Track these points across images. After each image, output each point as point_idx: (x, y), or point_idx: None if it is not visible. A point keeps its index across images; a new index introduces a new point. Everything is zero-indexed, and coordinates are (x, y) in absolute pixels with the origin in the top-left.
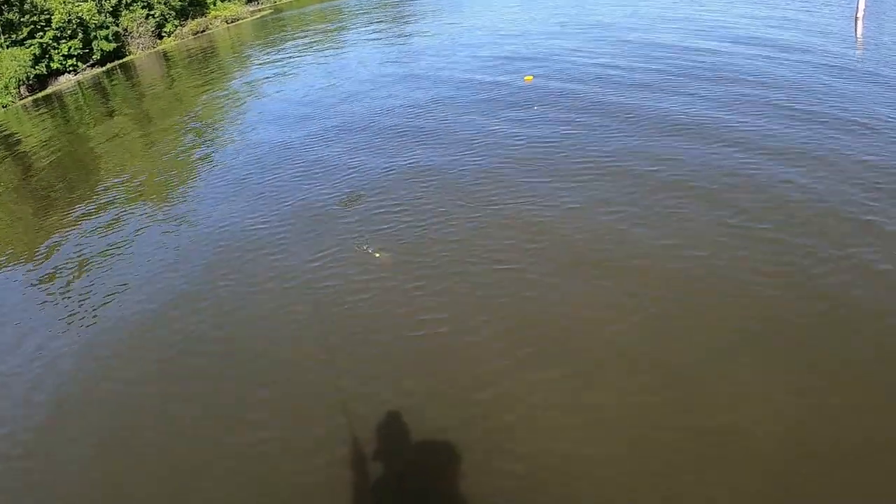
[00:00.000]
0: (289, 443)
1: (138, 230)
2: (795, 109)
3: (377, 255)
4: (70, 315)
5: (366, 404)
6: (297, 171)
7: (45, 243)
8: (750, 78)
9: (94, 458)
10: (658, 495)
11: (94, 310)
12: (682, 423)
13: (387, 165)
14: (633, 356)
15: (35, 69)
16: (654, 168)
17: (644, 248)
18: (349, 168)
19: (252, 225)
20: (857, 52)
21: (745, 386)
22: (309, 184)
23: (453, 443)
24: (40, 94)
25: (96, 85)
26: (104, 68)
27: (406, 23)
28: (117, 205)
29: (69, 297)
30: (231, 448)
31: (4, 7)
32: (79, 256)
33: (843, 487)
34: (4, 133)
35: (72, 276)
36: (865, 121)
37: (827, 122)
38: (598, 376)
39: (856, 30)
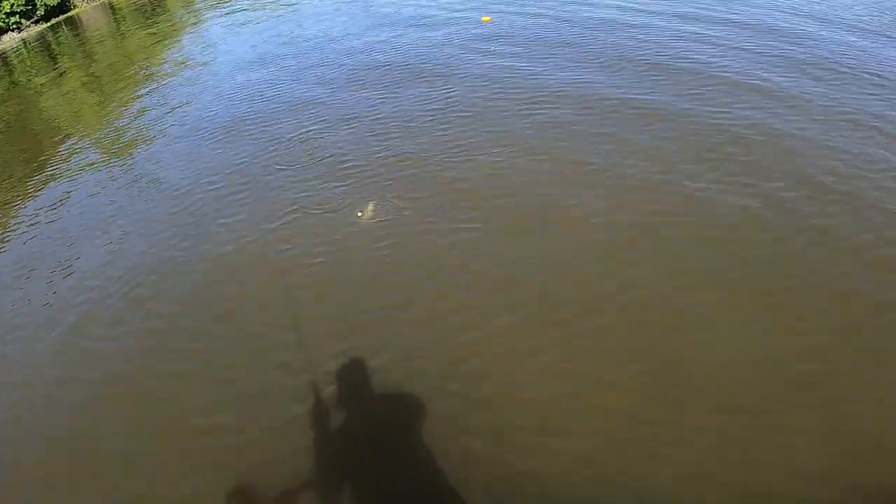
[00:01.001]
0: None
1: (91, 194)
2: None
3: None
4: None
5: (336, 360)
6: (251, 122)
7: None
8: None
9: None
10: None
11: (48, 284)
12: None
13: (349, 111)
14: (601, 292)
15: None
16: (623, 96)
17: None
18: (308, 118)
19: (208, 185)
20: None
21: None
22: (261, 134)
23: (424, 393)
24: None
25: (42, 42)
26: (49, 24)
27: None
28: (68, 168)
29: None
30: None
31: None
32: (29, 224)
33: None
34: None
35: (23, 251)
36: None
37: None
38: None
39: None
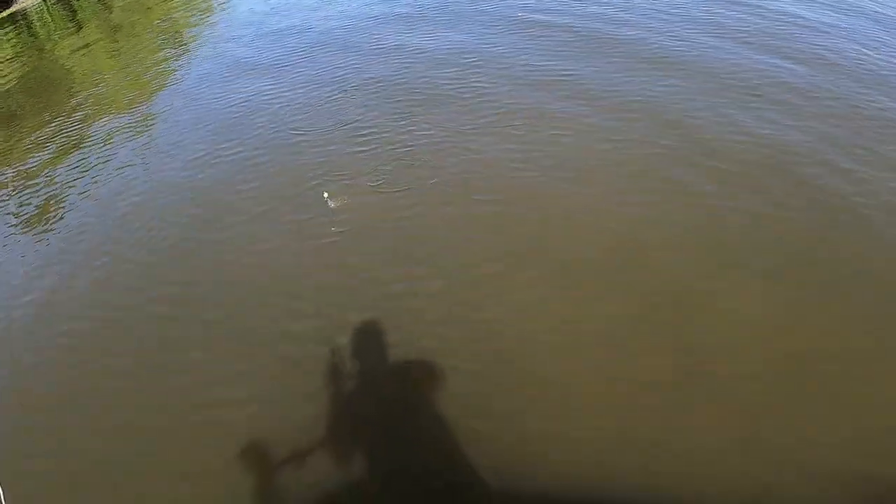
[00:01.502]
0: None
1: (105, 159)
2: None
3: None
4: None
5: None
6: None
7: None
8: None
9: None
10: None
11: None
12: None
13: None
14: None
15: None
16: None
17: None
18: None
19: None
20: None
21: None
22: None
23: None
24: (5, 14)
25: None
26: None
27: None
28: (84, 125)
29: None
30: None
31: None
32: (47, 185)
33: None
34: None
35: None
36: None
37: None
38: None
39: None
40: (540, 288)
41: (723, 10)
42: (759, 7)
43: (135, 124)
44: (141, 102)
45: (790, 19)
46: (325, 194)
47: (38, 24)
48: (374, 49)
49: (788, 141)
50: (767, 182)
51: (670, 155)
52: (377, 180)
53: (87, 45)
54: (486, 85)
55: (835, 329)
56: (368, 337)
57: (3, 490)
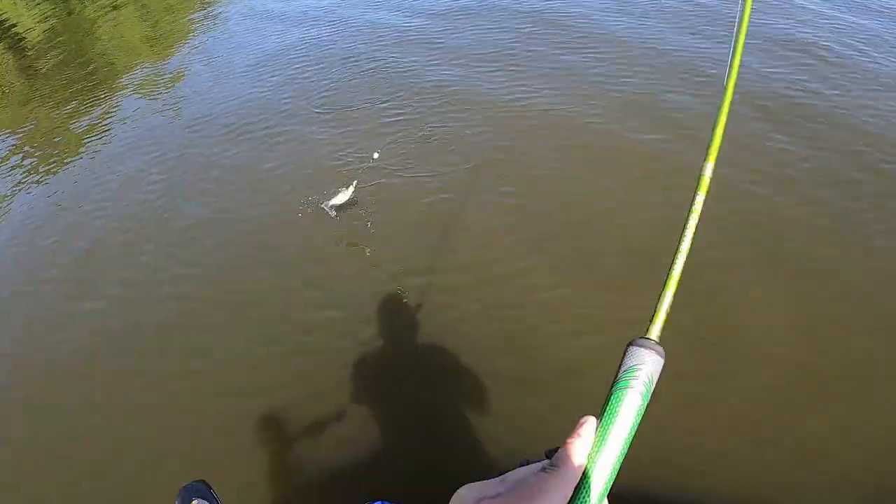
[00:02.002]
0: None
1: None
2: None
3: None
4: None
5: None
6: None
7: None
8: None
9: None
10: None
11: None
12: None
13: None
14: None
15: None
16: None
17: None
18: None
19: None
20: None
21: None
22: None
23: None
24: None
25: None
26: None
27: None
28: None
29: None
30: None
31: None
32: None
33: None
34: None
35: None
36: None
37: None
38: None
39: None
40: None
41: None
42: None
43: (158, 92)
44: (165, 71)
45: None
46: (376, 154)
47: None
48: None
49: None
50: None
51: None
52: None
53: (121, 21)
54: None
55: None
56: (391, 315)
57: None
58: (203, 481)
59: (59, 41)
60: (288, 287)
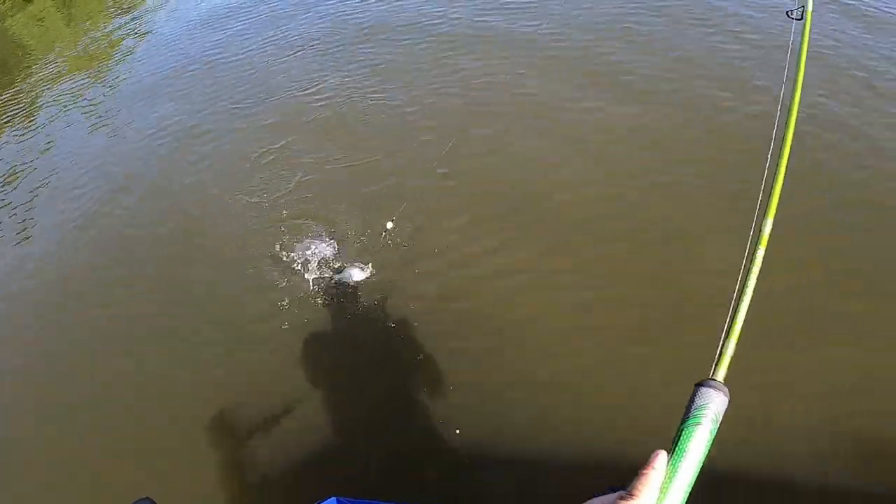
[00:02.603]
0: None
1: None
2: None
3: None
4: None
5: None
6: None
7: None
8: None
9: None
10: None
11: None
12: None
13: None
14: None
15: None
16: None
17: None
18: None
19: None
20: None
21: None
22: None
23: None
24: None
25: None
26: None
27: None
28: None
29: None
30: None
31: None
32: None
33: None
34: None
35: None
36: None
37: None
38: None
39: None
40: None
41: None
42: None
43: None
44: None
45: None
46: (389, 224)
47: None
48: None
49: None
50: None
51: None
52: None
53: (41, 19)
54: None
55: None
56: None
57: None
58: (149, 498)
59: None
60: (229, 283)
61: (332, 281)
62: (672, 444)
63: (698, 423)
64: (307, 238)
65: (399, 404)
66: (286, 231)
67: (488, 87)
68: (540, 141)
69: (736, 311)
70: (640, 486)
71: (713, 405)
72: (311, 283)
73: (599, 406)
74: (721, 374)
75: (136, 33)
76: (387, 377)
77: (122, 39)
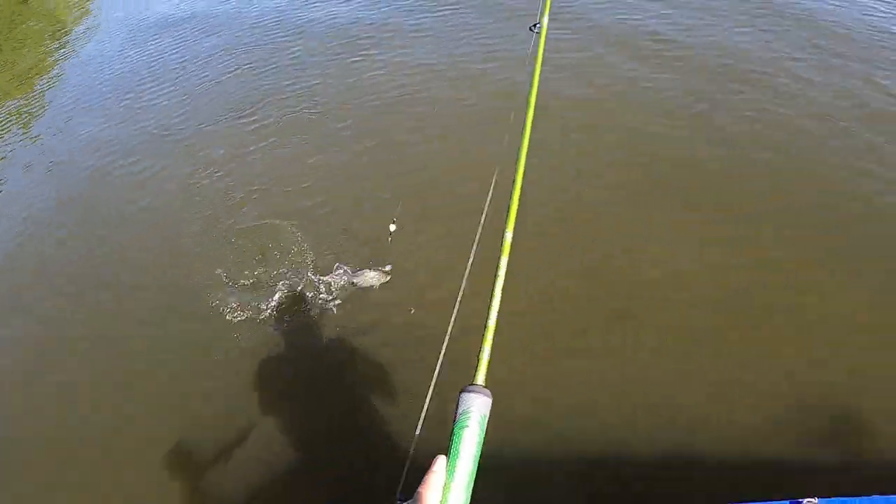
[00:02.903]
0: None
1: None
2: None
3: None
4: None
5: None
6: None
7: None
8: None
9: None
10: None
11: None
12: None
13: None
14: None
15: None
16: None
17: None
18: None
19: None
20: None
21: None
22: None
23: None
24: None
25: None
26: None
27: None
28: None
29: None
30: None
31: None
32: None
33: None
34: None
35: None
36: None
37: None
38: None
39: None
40: None
41: None
42: None
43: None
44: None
45: None
46: (392, 227)
47: None
48: None
49: None
50: None
51: None
52: None
53: None
54: None
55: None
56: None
57: None
58: None
59: None
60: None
61: (280, 301)
62: (447, 448)
63: (466, 426)
64: (254, 260)
65: (363, 416)
66: (231, 254)
67: None
68: None
69: (487, 321)
70: (423, 490)
71: (476, 407)
72: (262, 305)
73: None
74: (481, 378)
75: (66, 58)
76: (345, 390)
77: (52, 66)
